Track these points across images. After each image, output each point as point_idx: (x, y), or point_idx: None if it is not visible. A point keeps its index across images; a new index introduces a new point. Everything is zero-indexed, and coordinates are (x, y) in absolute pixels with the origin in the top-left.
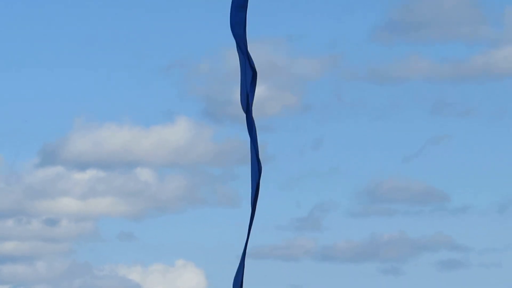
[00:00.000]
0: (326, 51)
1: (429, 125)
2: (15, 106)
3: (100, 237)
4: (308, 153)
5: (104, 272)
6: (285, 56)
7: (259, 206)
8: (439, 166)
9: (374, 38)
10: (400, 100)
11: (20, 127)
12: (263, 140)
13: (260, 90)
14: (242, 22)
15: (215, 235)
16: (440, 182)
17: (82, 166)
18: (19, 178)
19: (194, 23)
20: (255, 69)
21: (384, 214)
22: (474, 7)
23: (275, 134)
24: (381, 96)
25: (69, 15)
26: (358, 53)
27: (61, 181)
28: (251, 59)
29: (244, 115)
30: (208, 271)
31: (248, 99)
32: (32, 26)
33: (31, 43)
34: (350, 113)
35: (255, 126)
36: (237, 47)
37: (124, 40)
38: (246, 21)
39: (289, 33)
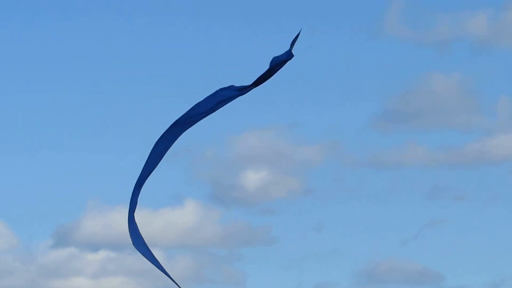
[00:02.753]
0: (326, 139)
1: (425, 209)
2: (29, 189)
3: None
4: (310, 235)
5: None
6: (288, 143)
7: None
8: (435, 248)
9: (372, 126)
10: (398, 185)
11: (35, 209)
12: (268, 223)
13: (264, 175)
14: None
15: None
16: (436, 264)
17: (94, 247)
18: (34, 258)
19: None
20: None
21: None
22: (468, 97)
23: (279, 217)
24: (379, 181)
25: (81, 100)
26: (357, 140)
27: (74, 261)
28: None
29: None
30: None
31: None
32: (46, 111)
33: (44, 127)
34: (350, 197)
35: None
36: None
37: (134, 126)
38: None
39: (290, 121)
